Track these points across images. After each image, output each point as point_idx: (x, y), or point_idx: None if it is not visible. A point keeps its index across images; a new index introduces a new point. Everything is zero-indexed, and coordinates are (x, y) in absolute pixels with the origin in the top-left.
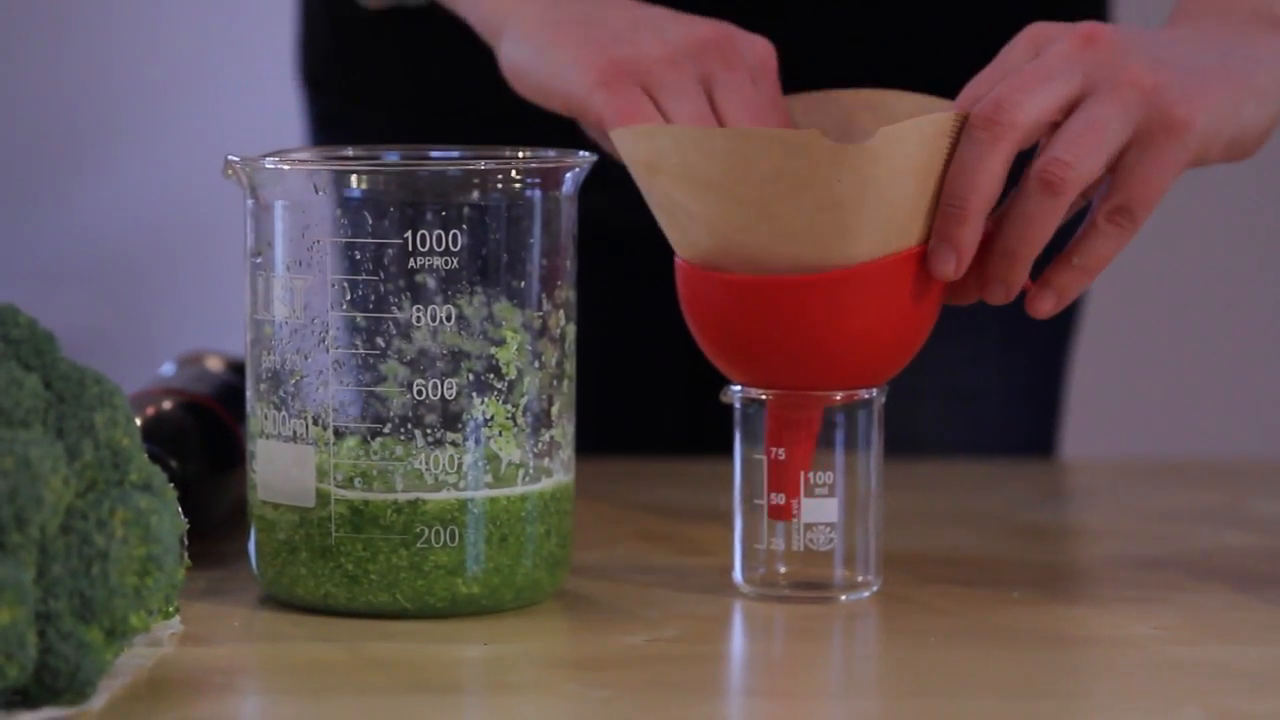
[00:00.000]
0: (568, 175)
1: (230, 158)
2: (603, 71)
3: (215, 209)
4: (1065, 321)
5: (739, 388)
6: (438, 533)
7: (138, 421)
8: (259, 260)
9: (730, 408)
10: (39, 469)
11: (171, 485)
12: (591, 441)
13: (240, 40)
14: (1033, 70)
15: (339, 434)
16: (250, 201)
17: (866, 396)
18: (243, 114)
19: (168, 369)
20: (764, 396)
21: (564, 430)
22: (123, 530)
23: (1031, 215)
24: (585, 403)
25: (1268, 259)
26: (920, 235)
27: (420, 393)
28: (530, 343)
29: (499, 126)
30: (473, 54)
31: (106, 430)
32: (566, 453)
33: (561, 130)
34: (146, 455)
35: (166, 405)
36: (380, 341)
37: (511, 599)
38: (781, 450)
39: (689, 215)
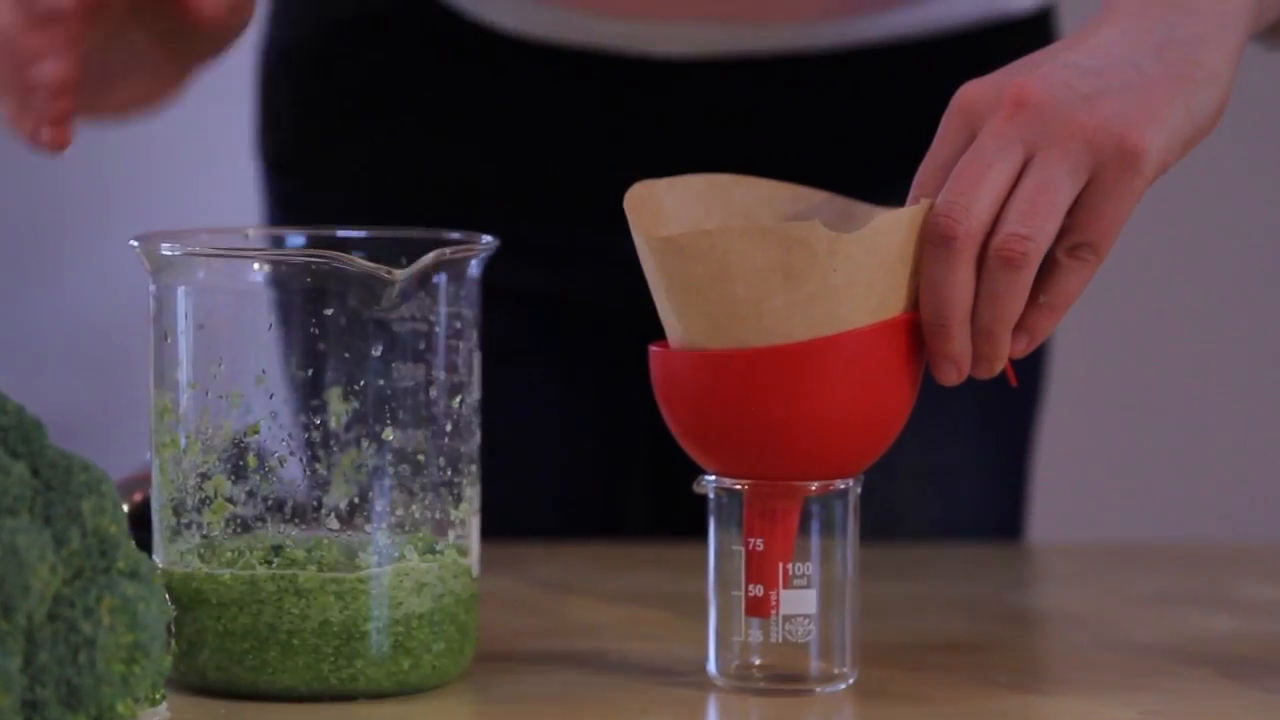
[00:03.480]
0: (473, 261)
1: (132, 241)
2: None
3: None
4: (1034, 396)
5: (713, 477)
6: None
7: (125, 508)
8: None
9: (700, 497)
10: (26, 556)
11: (158, 572)
12: (559, 526)
13: (227, 122)
14: (972, 163)
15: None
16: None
17: (842, 486)
18: (230, 194)
19: None
20: (738, 486)
21: (465, 511)
22: (110, 618)
23: (1000, 292)
24: (553, 487)
25: (1244, 338)
26: (900, 307)
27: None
28: (429, 426)
29: (461, 206)
30: (435, 135)
31: (94, 518)
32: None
33: (523, 209)
34: (134, 542)
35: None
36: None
37: (417, 683)
38: (760, 541)
39: (664, 313)
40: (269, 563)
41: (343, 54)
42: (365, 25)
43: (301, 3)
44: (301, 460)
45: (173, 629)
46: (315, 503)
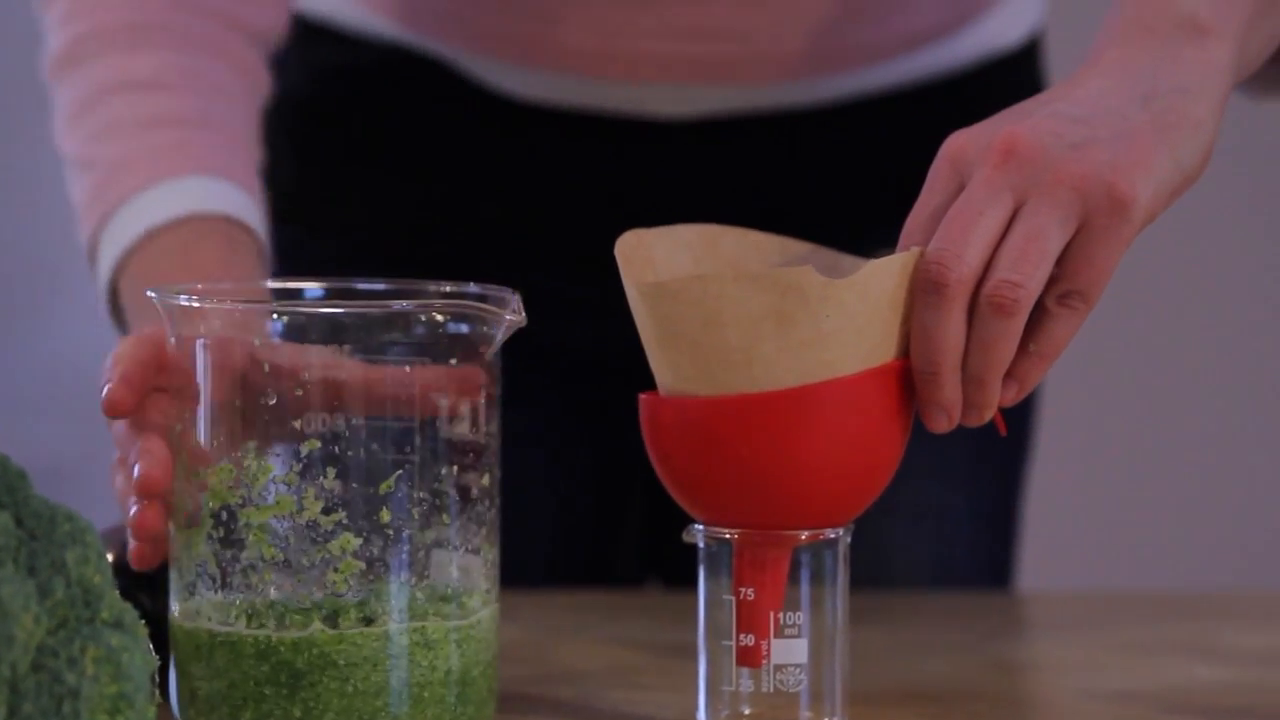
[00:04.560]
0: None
1: (149, 293)
2: None
3: None
4: (1025, 439)
5: (702, 526)
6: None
7: (109, 558)
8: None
9: (691, 545)
10: (10, 607)
11: (143, 622)
12: (550, 573)
13: None
14: (963, 211)
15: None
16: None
17: (832, 536)
18: None
19: None
20: (728, 535)
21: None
22: (94, 668)
23: (990, 340)
24: (543, 533)
25: (1232, 390)
26: (891, 354)
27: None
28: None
29: (456, 256)
30: (433, 188)
31: (78, 568)
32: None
33: (517, 259)
34: (118, 592)
35: None
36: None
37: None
38: (750, 590)
39: (654, 361)
40: (367, 621)
41: (343, 105)
42: (364, 77)
43: (300, 52)
44: (329, 513)
45: (156, 679)
46: (376, 554)
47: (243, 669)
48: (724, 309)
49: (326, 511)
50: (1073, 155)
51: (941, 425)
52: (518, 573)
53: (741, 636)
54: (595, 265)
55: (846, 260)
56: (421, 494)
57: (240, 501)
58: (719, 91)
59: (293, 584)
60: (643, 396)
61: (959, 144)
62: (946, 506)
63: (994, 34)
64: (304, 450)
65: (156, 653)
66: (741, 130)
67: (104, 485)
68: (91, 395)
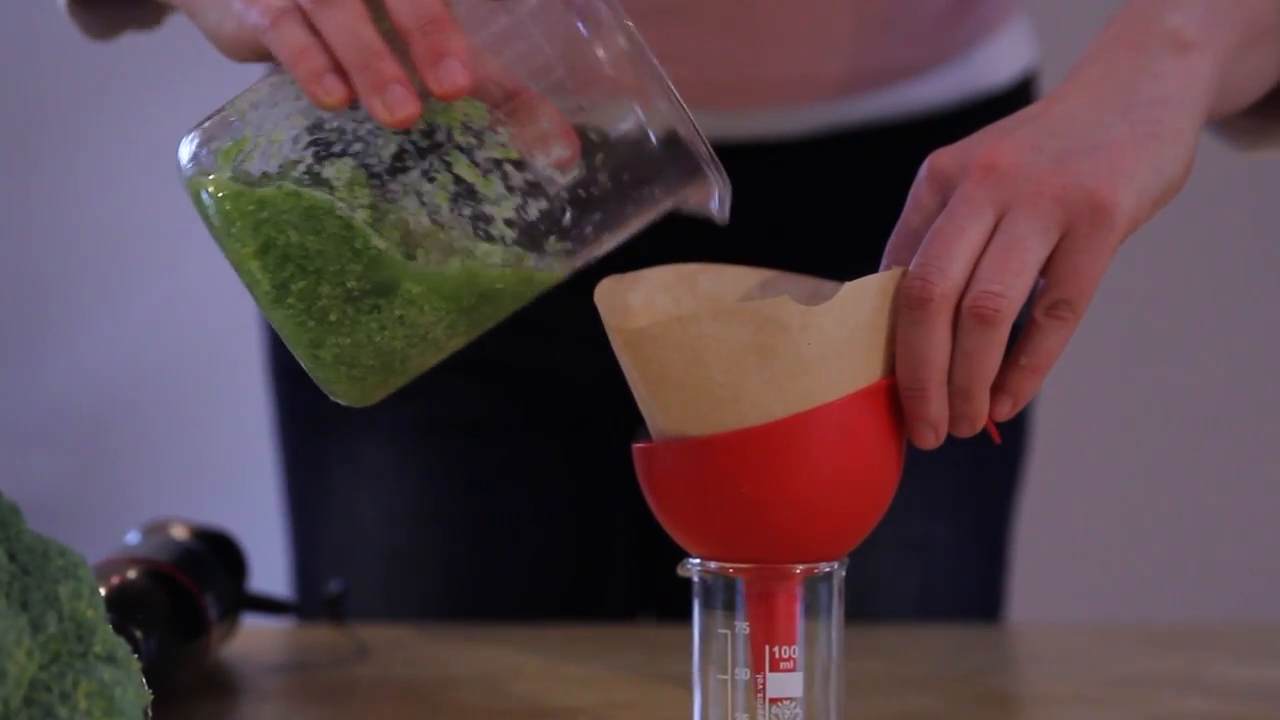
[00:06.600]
0: None
1: None
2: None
3: (183, 375)
4: (1014, 468)
5: (697, 561)
6: None
7: (102, 591)
8: None
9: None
10: (3, 642)
11: (135, 656)
12: (536, 605)
13: None
14: (945, 227)
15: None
16: None
17: (827, 570)
18: (212, 278)
19: (133, 538)
20: (722, 570)
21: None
22: (86, 703)
23: (975, 351)
24: (528, 564)
25: (1222, 421)
26: (877, 375)
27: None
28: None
29: None
30: None
31: (71, 602)
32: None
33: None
34: (111, 626)
35: (131, 575)
36: None
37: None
38: (754, 625)
39: (645, 406)
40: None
41: None
42: None
43: None
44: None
45: (149, 713)
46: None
47: (339, 249)
48: (706, 348)
49: (508, 224)
50: (1053, 167)
51: (929, 441)
52: (505, 605)
53: (738, 671)
54: (571, 294)
55: (827, 285)
56: (584, 242)
57: (464, 146)
58: (702, 118)
59: (431, 239)
60: (635, 446)
61: (940, 162)
62: (933, 537)
63: (981, 72)
64: (548, 172)
65: (149, 687)
66: (725, 159)
67: (98, 519)
68: (88, 431)
